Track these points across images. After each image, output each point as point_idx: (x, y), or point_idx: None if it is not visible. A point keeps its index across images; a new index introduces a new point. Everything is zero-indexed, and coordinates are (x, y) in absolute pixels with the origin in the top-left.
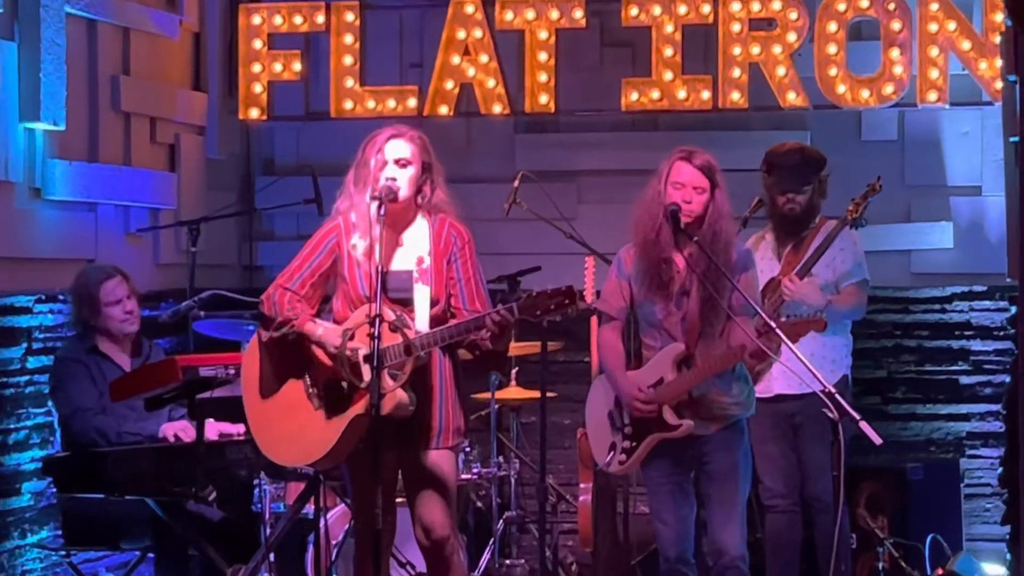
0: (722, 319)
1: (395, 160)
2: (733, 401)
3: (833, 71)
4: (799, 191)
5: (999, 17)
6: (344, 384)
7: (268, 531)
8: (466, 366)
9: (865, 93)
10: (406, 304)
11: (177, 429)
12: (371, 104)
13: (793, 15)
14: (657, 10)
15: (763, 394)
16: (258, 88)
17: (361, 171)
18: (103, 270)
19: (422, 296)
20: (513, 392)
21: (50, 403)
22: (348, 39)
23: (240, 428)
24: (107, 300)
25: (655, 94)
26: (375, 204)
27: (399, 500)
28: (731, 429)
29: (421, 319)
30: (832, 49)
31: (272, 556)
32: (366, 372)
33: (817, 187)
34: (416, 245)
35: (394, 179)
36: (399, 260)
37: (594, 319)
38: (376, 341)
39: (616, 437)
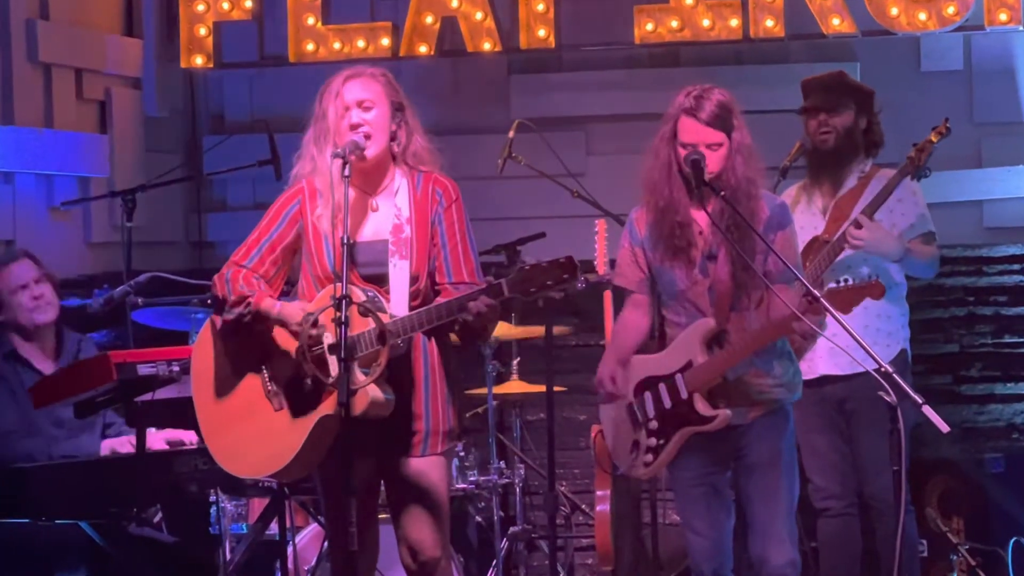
0: (758, 286)
1: (357, 103)
2: (776, 383)
3: None
4: (832, 111)
5: None
6: (309, 380)
7: (228, 556)
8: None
9: (923, 15)
10: (380, 282)
11: (119, 446)
12: (337, 45)
13: None
14: None
15: (806, 375)
16: (203, 31)
17: (320, 126)
18: (7, 253)
19: (399, 272)
20: (515, 385)
21: None
22: None
23: (192, 435)
24: (11, 286)
25: (674, 23)
26: (338, 162)
27: (382, 516)
28: (773, 415)
29: (398, 300)
30: None
31: None
32: (333, 365)
33: (864, 125)
34: (393, 209)
35: (360, 125)
36: (372, 228)
37: (607, 294)
38: (343, 328)
39: (639, 435)
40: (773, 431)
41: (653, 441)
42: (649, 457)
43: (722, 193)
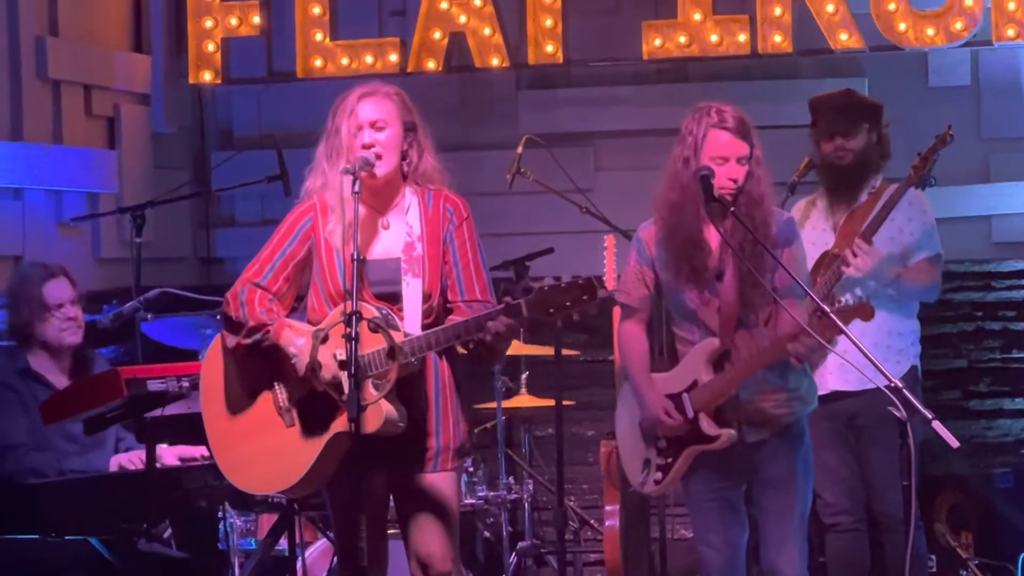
0: (765, 304)
1: (370, 123)
2: (791, 396)
3: (892, 5)
4: (848, 134)
5: None
6: (322, 395)
7: (237, 572)
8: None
9: (930, 31)
10: (393, 300)
11: (127, 461)
12: (345, 61)
13: None
14: None
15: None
16: (211, 47)
17: (333, 141)
18: (46, 268)
19: (412, 291)
20: (524, 400)
21: None
22: None
23: (203, 451)
24: (50, 303)
25: (682, 39)
26: (349, 179)
27: (391, 531)
28: (789, 429)
29: (411, 318)
30: None
31: None
32: (345, 381)
33: (875, 140)
34: (404, 227)
35: (372, 145)
36: (384, 246)
37: (616, 310)
38: (353, 344)
39: (650, 452)
40: (788, 446)
41: (662, 460)
42: (659, 475)
43: (732, 209)
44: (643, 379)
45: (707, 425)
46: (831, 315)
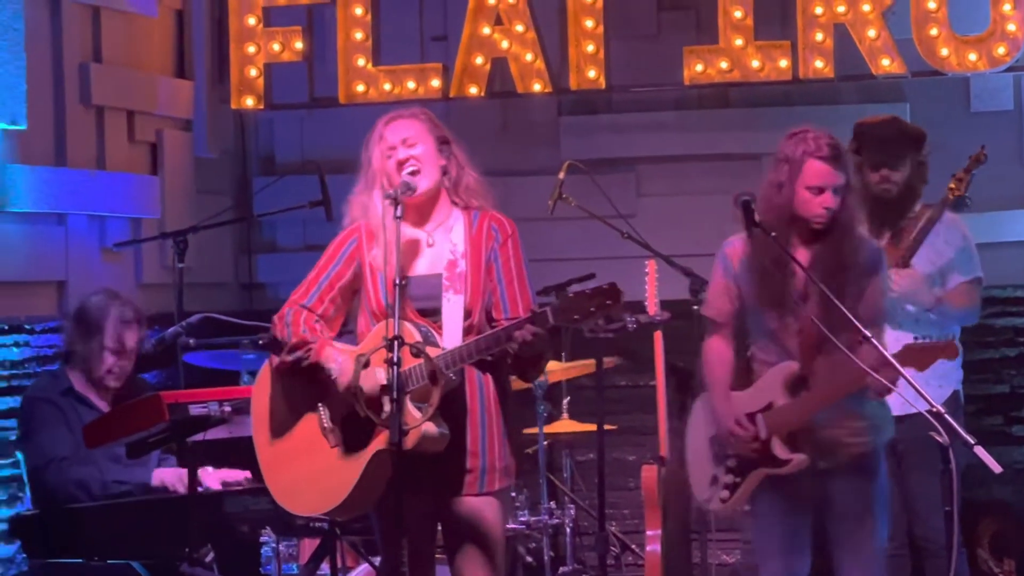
0: (846, 330)
1: (401, 141)
2: (866, 424)
3: (934, 31)
4: (895, 167)
5: None
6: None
7: None
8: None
9: (973, 56)
10: (434, 316)
11: (172, 476)
12: (387, 86)
13: None
14: None
15: None
16: (253, 72)
17: (368, 173)
18: (128, 314)
19: (453, 307)
20: (565, 425)
21: (18, 453)
22: (358, 10)
23: (247, 475)
24: (111, 344)
25: (724, 64)
26: (390, 204)
27: (438, 556)
28: (863, 459)
29: (450, 334)
30: (932, 5)
31: None
32: (386, 403)
33: (916, 168)
34: (448, 245)
35: (406, 160)
36: (427, 263)
37: (658, 335)
38: (395, 368)
39: (718, 470)
40: (863, 477)
41: (730, 478)
42: (725, 494)
43: (773, 234)
44: (721, 393)
45: (779, 449)
46: (920, 349)
